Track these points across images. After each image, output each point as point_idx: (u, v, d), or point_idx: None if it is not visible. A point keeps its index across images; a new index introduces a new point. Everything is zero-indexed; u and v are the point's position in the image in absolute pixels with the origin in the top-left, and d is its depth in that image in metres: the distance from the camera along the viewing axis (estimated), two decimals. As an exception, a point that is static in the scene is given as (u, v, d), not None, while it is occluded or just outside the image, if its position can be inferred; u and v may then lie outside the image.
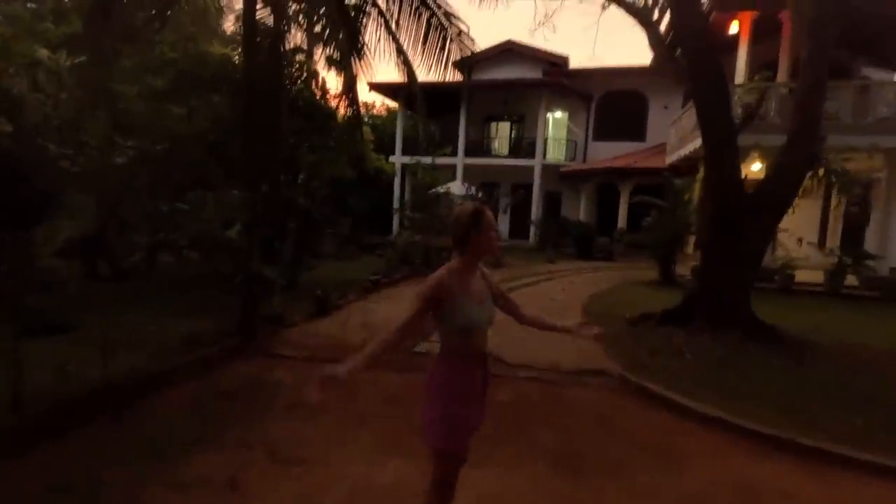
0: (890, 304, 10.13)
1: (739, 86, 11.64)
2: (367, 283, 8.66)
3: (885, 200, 11.45)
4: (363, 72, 7.51)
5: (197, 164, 8.39)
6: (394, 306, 7.38)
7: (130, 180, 6.80)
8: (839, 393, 4.45)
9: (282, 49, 6.78)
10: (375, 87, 19.82)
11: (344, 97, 10.12)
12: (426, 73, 7.40)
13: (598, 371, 4.99)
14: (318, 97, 10.18)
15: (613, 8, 8.09)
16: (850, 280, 10.90)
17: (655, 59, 9.95)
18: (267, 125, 6.20)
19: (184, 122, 8.58)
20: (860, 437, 3.53)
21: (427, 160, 14.06)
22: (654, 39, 7.41)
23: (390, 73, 11.91)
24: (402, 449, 3.21)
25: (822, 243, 15.48)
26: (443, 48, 7.12)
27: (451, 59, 7.41)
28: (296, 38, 8.74)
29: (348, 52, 7.00)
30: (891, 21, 12.76)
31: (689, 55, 6.11)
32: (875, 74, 14.35)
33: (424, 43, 7.05)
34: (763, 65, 12.60)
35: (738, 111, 10.14)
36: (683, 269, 11.54)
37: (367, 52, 7.09)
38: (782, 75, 12.39)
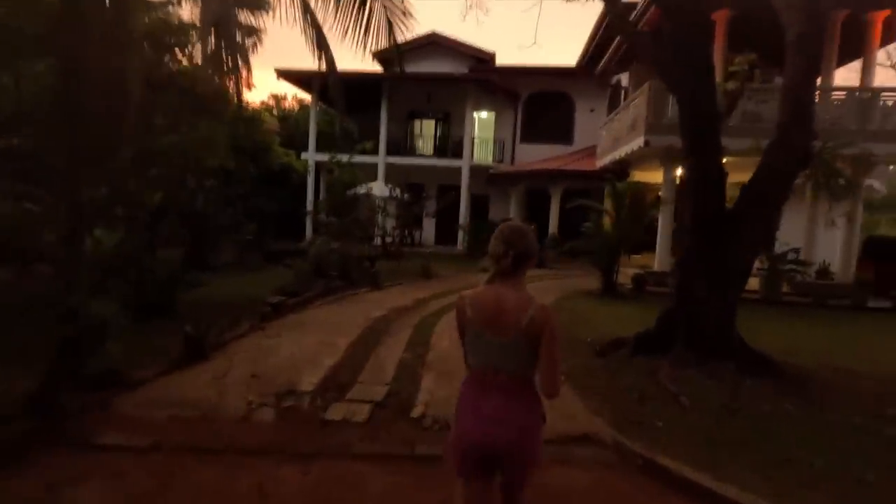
0: (821, 309, 10.04)
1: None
2: (266, 306, 6.76)
3: (809, 205, 11.54)
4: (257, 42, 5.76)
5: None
6: (303, 340, 5.63)
7: None
8: (890, 455, 3.47)
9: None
10: (285, 74, 17.61)
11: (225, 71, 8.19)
12: (349, 58, 5.70)
13: (583, 437, 3.65)
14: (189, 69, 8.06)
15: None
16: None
17: (620, 35, 9.03)
18: (104, 97, 4.25)
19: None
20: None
21: (345, 157, 12.26)
22: (616, 14, 6.35)
23: (304, 60, 10.02)
24: None
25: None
26: (369, 30, 5.51)
27: (383, 41, 5.79)
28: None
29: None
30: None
31: (675, 29, 5.05)
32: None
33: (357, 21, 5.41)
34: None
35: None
36: (622, 277, 10.82)
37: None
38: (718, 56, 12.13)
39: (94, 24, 4.22)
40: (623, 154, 12.60)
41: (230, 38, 8.54)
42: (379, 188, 13.59)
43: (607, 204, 12.87)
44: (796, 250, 10.41)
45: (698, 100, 5.07)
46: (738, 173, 6.14)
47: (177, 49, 6.87)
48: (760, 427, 3.77)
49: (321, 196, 15.90)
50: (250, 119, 9.09)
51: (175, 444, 3.17)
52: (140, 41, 5.68)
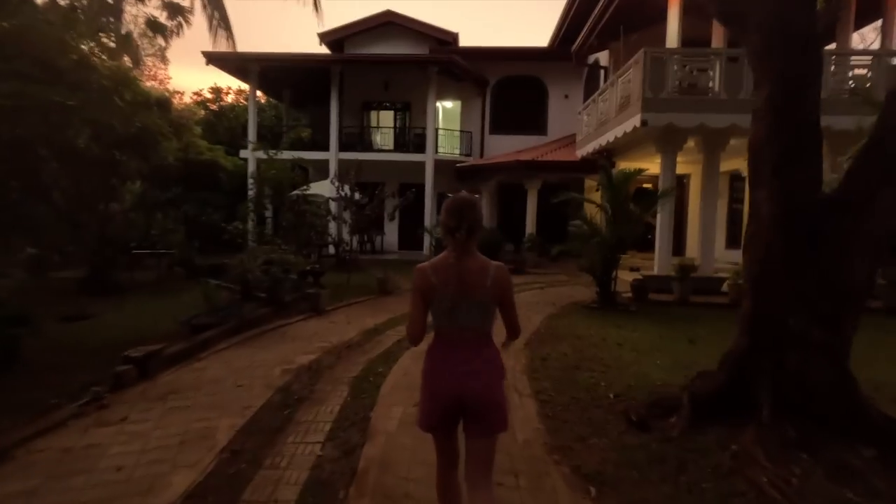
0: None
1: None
2: (125, 363, 4.45)
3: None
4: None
5: None
6: (156, 431, 3.40)
7: None
8: None
9: None
10: (214, 59, 15.12)
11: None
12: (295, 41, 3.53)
13: None
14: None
15: None
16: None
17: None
18: None
19: None
20: None
21: (277, 151, 9.97)
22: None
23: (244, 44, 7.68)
24: None
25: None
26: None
27: None
28: None
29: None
30: None
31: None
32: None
33: None
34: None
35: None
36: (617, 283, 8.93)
37: None
38: (718, 39, 10.45)
39: None
40: (612, 139, 10.76)
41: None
42: (324, 187, 11.37)
43: (597, 197, 11.05)
44: None
45: (794, 33, 3.11)
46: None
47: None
48: None
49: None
50: (136, 99, 6.77)
51: None
52: None
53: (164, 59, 28.68)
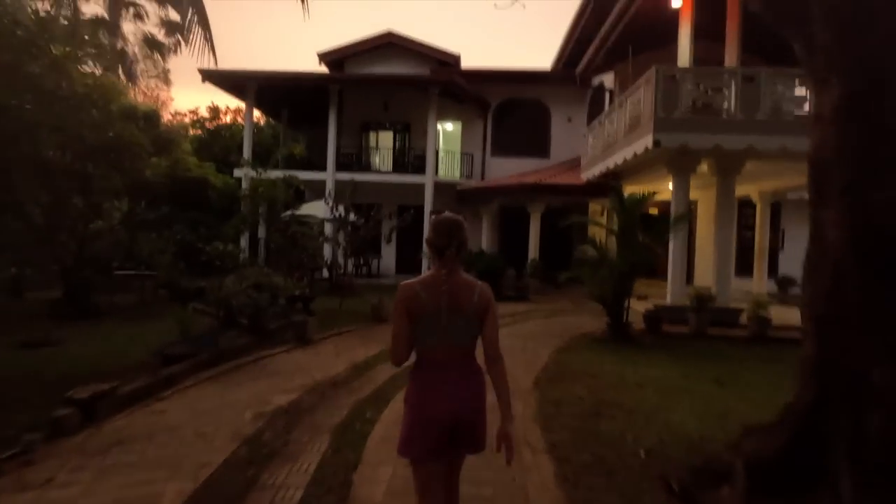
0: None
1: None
2: (68, 406, 3.77)
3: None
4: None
5: None
6: None
7: None
8: None
9: None
10: (211, 76, 14.78)
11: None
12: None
13: None
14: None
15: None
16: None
17: None
18: None
19: None
20: None
21: (275, 169, 9.47)
22: None
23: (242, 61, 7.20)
24: None
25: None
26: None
27: None
28: None
29: None
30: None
31: None
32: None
33: None
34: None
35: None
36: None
37: None
38: (731, 52, 10.08)
39: None
40: (620, 162, 10.28)
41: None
42: (320, 208, 10.83)
43: (604, 221, 10.53)
44: None
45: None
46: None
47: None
48: None
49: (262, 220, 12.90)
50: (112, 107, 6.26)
51: None
52: None
53: (167, 81, 28.62)
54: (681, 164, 9.02)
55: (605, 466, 3.29)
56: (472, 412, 1.89)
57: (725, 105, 8.48)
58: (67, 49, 5.84)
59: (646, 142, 8.66)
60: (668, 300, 9.32)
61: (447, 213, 2.06)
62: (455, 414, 1.86)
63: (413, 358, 1.97)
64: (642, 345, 7.52)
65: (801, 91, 8.34)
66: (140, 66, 16.22)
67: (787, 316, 8.46)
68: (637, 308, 8.92)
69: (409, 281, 1.93)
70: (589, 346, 7.26)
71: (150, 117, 9.21)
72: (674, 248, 9.10)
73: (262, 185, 8.64)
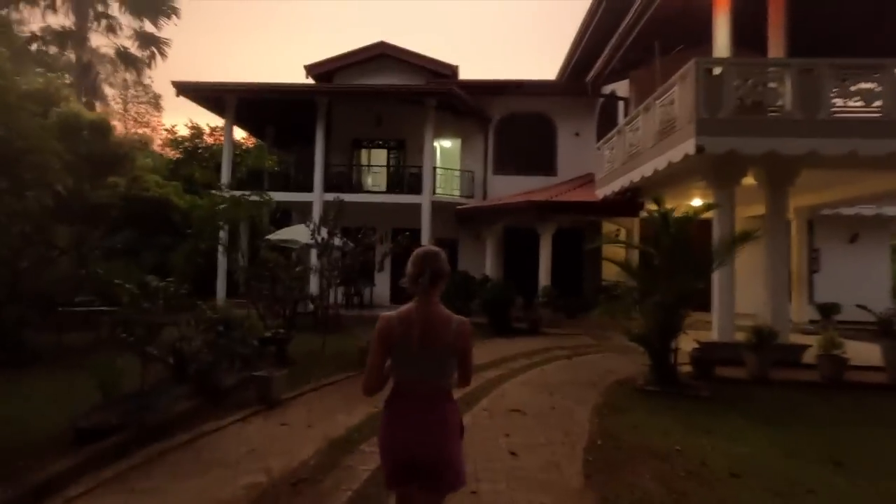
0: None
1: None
2: None
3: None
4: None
5: None
6: None
7: None
8: None
9: None
10: (186, 89, 13.49)
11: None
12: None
13: None
14: None
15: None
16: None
17: None
18: None
19: None
20: None
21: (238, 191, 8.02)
22: None
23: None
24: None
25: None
26: None
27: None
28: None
29: None
30: (856, 21, 10.17)
31: None
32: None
33: None
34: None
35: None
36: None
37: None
38: (775, 51, 8.81)
39: None
40: (648, 173, 8.88)
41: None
42: (299, 233, 9.37)
43: (636, 241, 9.08)
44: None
45: None
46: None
47: None
48: None
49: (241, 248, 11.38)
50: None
51: None
52: None
53: (157, 107, 27.43)
54: (724, 175, 7.64)
55: None
56: (430, 450, 1.85)
57: (780, 102, 7.13)
58: None
59: (685, 148, 7.28)
60: (715, 335, 7.81)
61: (427, 246, 2.05)
62: (410, 452, 1.85)
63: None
64: (698, 396, 5.97)
65: (869, 84, 7.01)
66: (110, 80, 14.91)
67: (854, 351, 6.98)
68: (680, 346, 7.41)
69: (387, 312, 1.92)
70: (634, 401, 5.70)
71: (99, 127, 7.80)
72: (720, 274, 7.63)
73: (223, 202, 7.18)
